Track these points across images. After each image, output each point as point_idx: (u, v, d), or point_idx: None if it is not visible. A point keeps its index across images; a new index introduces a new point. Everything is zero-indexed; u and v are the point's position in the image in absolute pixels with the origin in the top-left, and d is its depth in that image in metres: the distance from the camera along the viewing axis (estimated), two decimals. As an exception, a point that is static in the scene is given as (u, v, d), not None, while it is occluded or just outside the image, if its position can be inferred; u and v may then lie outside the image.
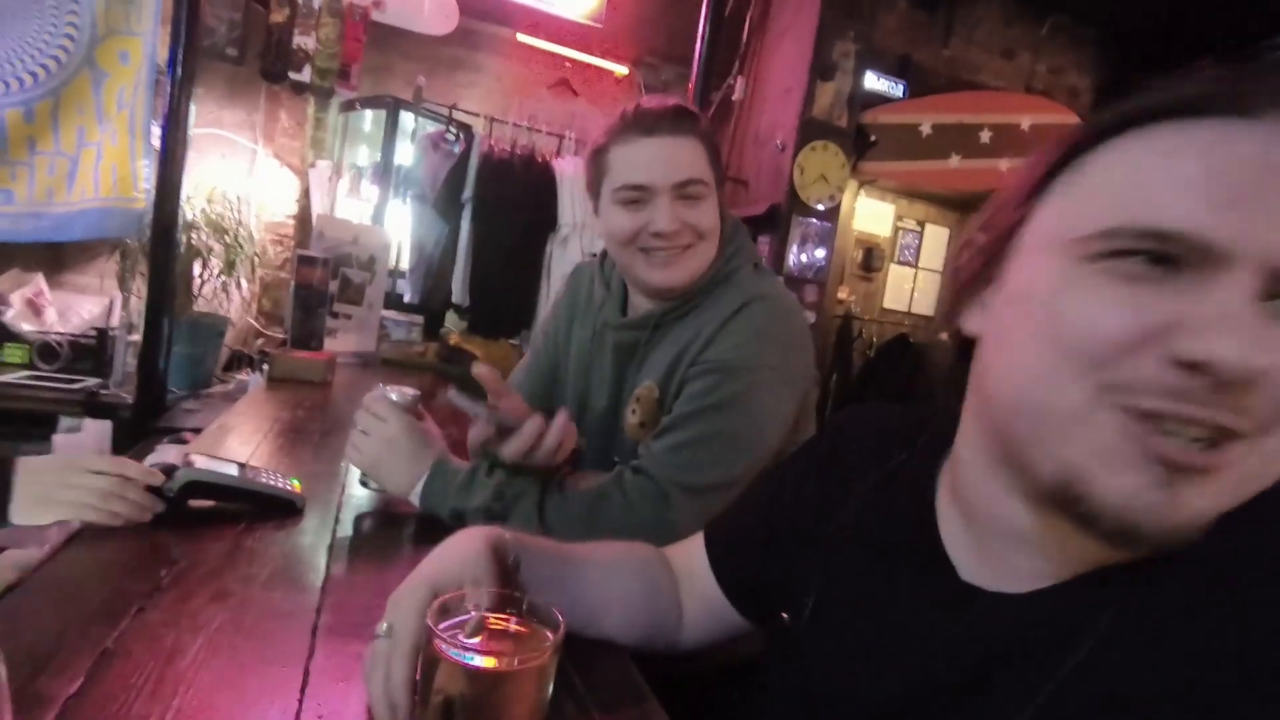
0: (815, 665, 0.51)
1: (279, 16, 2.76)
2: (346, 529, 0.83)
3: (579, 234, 2.91)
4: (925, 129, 3.48)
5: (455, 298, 2.86)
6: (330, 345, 2.15)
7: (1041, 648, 0.40)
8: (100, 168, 2.23)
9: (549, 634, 0.42)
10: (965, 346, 0.48)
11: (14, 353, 2.59)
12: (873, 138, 3.38)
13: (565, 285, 1.26)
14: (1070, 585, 0.42)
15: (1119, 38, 4.08)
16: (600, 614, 0.63)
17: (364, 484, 0.90)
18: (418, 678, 0.43)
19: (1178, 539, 0.37)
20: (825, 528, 0.57)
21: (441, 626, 0.42)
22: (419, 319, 2.62)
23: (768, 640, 0.59)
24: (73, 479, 0.71)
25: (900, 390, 3.62)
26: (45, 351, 2.52)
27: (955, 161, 3.52)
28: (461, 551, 0.54)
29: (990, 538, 0.46)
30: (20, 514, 0.69)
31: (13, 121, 2.10)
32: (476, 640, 0.42)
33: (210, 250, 2.59)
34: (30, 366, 2.51)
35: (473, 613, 0.44)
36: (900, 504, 0.53)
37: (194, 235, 2.56)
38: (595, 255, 1.27)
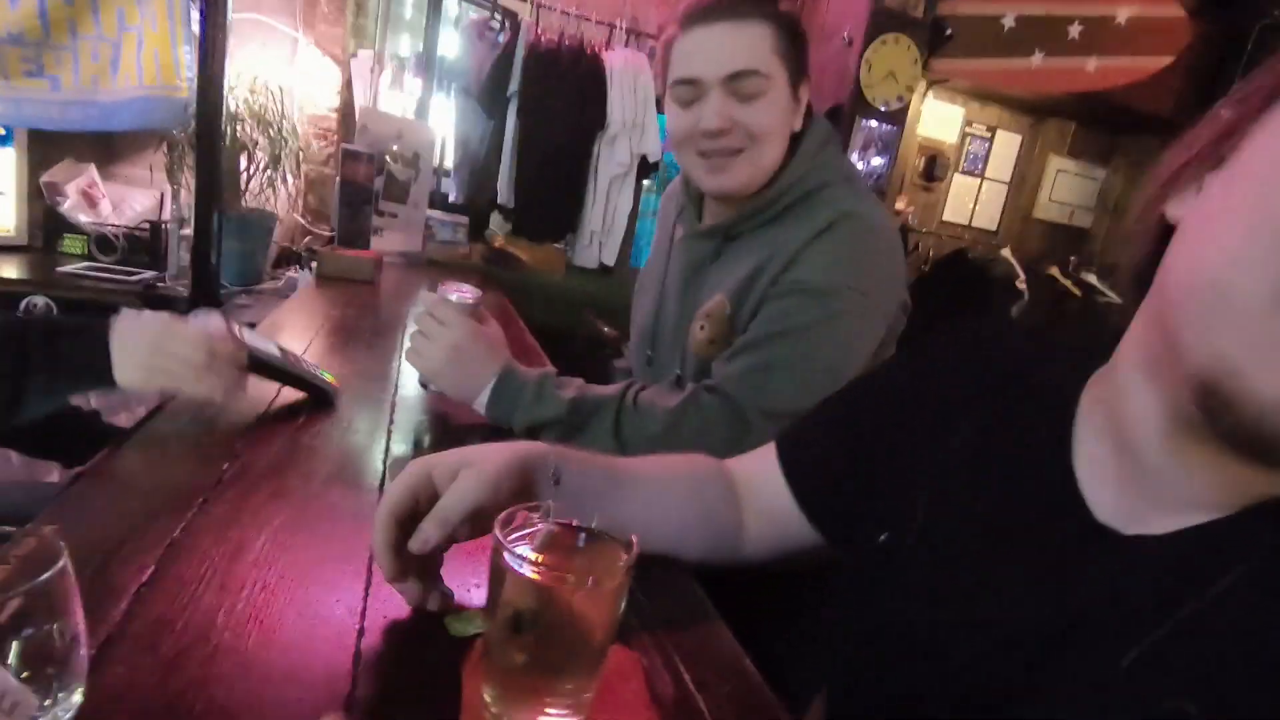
0: (920, 590, 0.48)
1: (315, -112, 2.59)
2: (401, 430, 0.82)
3: (628, 134, 2.78)
4: (1008, 21, 3.17)
5: (500, 198, 2.79)
6: (376, 244, 2.14)
7: (1166, 589, 0.38)
8: (143, 54, 2.18)
9: (622, 553, 0.40)
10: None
11: (73, 243, 2.64)
12: (949, 31, 3.09)
13: (666, 195, 1.21)
14: (1212, 527, 0.39)
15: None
16: (651, 533, 0.60)
17: (424, 386, 0.88)
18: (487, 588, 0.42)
19: None
20: (933, 449, 0.53)
21: (510, 538, 0.40)
22: (464, 219, 2.57)
23: (854, 560, 0.56)
24: (167, 346, 0.70)
25: (954, 309, 3.49)
26: (103, 243, 2.57)
27: (1038, 59, 3.22)
28: (482, 449, 0.51)
29: (1134, 468, 0.42)
30: (123, 377, 0.68)
31: (54, 2, 2.05)
32: (542, 556, 0.40)
33: (255, 144, 2.55)
34: (89, 258, 2.57)
35: (541, 525, 0.42)
36: (1031, 431, 0.49)
37: (238, 127, 2.52)
38: (644, 156, 1.23)
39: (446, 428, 0.88)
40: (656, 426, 0.81)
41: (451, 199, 2.85)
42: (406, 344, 0.86)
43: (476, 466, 0.49)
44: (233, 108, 2.46)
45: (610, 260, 2.96)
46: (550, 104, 2.70)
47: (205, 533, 0.52)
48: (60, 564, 0.31)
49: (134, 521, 0.52)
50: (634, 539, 0.40)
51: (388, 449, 0.76)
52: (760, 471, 0.66)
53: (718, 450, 0.74)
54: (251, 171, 2.57)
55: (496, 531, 0.39)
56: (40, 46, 2.07)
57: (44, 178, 2.61)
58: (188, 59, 2.18)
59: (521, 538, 0.41)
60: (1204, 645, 0.35)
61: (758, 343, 0.85)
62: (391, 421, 0.84)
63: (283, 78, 2.82)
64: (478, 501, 0.48)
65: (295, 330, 1.22)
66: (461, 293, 0.86)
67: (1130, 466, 0.43)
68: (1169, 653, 0.36)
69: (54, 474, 1.39)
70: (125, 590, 0.44)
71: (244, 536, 0.53)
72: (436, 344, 0.82)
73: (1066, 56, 3.21)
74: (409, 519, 0.48)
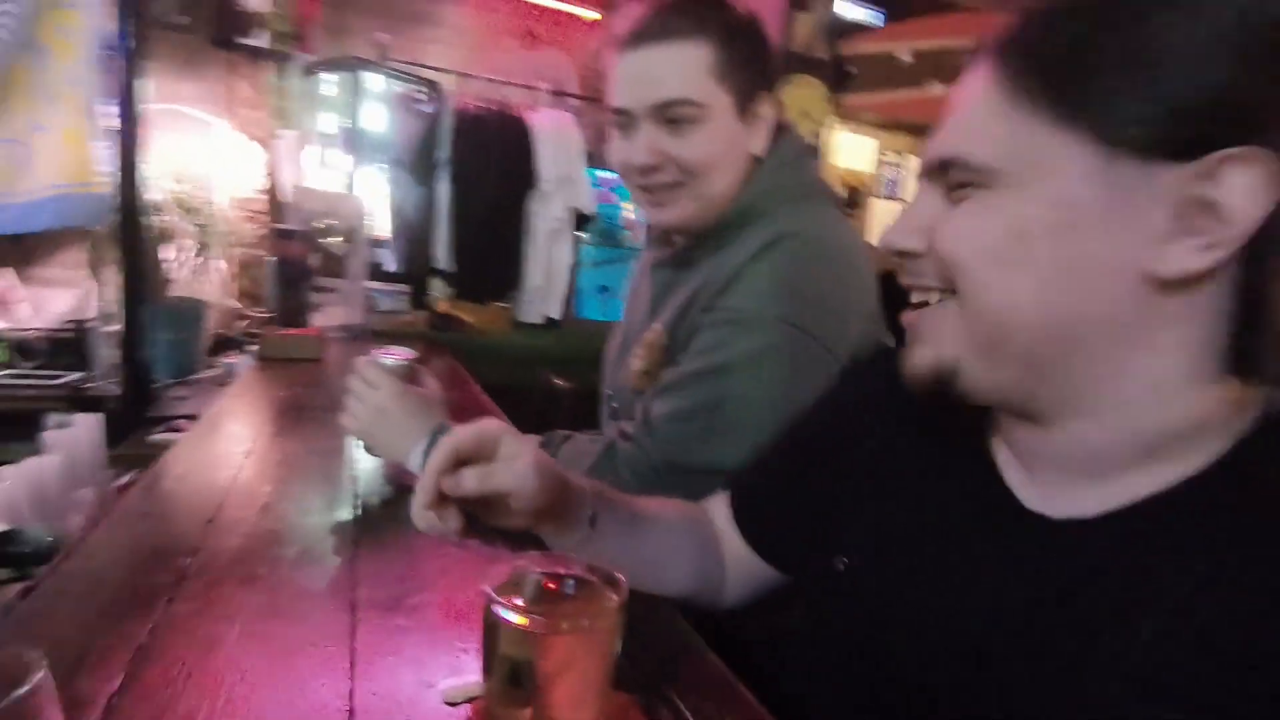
0: (881, 607, 0.50)
1: (226, -22, 2.61)
2: (365, 502, 0.81)
3: (560, 189, 2.84)
4: (906, 56, 3.40)
5: (439, 263, 2.80)
6: (316, 320, 2.10)
7: (1114, 582, 0.39)
8: (58, 153, 2.13)
9: (611, 593, 0.40)
10: None
11: (-11, 353, 2.51)
12: (852, 69, 3.30)
13: None
14: (1142, 509, 0.40)
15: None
16: (660, 570, 0.62)
17: (368, 450, 0.87)
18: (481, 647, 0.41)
19: None
20: (872, 470, 0.56)
21: (498, 591, 0.40)
22: (405, 287, 2.56)
23: (815, 589, 0.57)
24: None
25: (892, 328, 3.62)
26: (23, 348, 2.45)
27: (937, 89, 3.45)
28: (545, 464, 0.53)
29: (1040, 449, 0.45)
30: None
31: (-41, 108, 1.99)
32: (533, 604, 0.40)
33: (181, 232, 2.50)
34: (8, 365, 2.44)
35: (531, 573, 0.42)
36: (954, 432, 0.51)
37: (162, 218, 2.47)
38: (578, 210, 1.21)
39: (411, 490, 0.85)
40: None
41: (390, 268, 2.84)
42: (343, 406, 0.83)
43: (539, 470, 0.52)
44: (155, 198, 2.41)
45: (555, 313, 2.98)
46: (481, 167, 2.74)
47: (175, 631, 0.50)
48: (38, 677, 0.29)
49: (97, 629, 0.49)
50: (621, 577, 0.41)
51: (355, 521, 0.74)
52: (722, 518, 0.68)
53: None
54: (180, 261, 2.51)
55: (486, 588, 0.39)
56: (-55, 153, 2.00)
57: (-46, 287, 2.49)
58: (103, 154, 2.14)
59: (510, 590, 0.41)
60: (1173, 649, 0.36)
61: (680, 384, 0.78)
62: (356, 495, 0.82)
63: (207, 164, 2.79)
64: (520, 490, 0.51)
65: (242, 416, 1.19)
66: (394, 355, 0.85)
67: (1037, 447, 0.45)
68: (1135, 656, 0.37)
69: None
70: (96, 702, 0.42)
71: (215, 630, 0.51)
72: (364, 405, 0.79)
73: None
74: (460, 463, 0.50)
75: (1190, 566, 0.37)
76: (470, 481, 0.50)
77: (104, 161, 2.14)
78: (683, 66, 0.77)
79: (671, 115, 0.78)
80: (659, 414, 0.78)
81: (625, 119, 0.82)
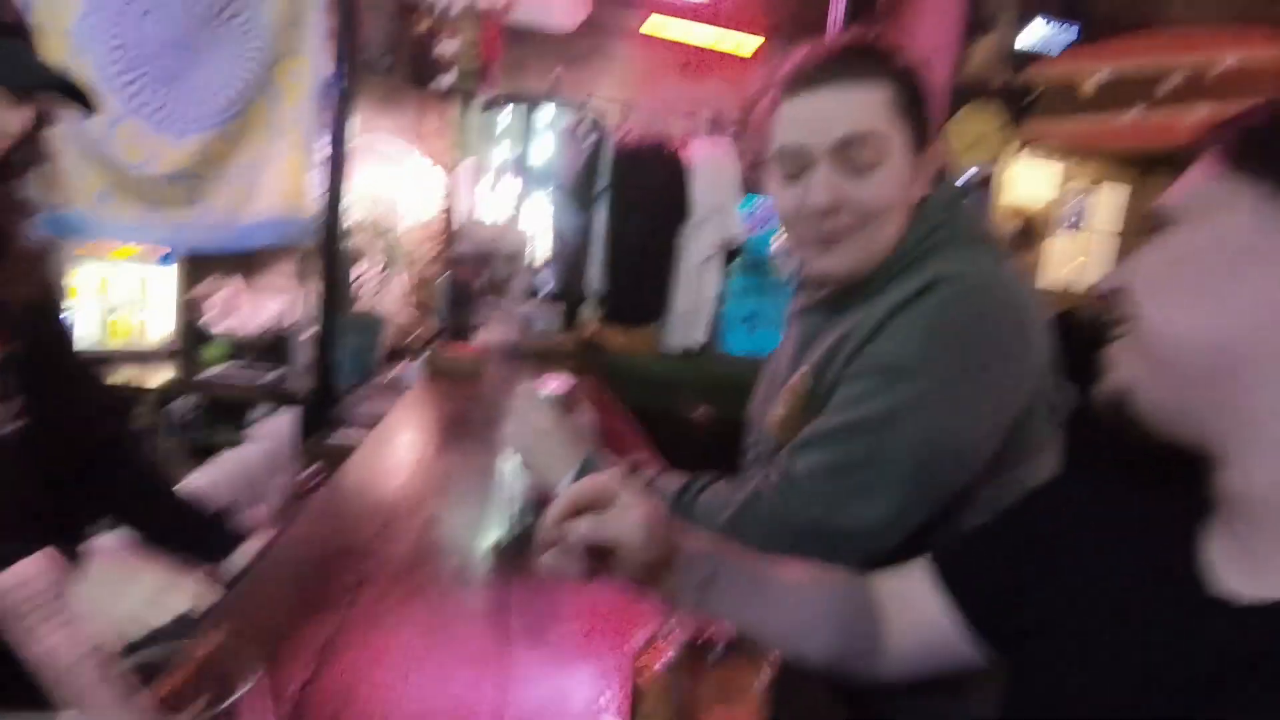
0: (1063, 686, 0.49)
1: (422, 26, 2.91)
2: (518, 523, 0.85)
3: (712, 219, 2.86)
4: (1100, 77, 3.10)
5: (593, 287, 2.91)
6: (479, 336, 2.25)
7: None
8: (278, 180, 2.46)
9: (754, 674, 0.39)
10: None
11: (216, 349, 2.93)
12: (1035, 94, 3.05)
13: None
14: None
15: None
16: (794, 631, 0.60)
17: (525, 466, 0.92)
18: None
19: None
20: (1073, 545, 0.54)
21: (638, 656, 0.40)
22: (559, 308, 2.69)
23: (1011, 666, 0.57)
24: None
25: (1070, 377, 3.28)
26: (240, 347, 2.84)
27: (1134, 114, 3.11)
28: (661, 523, 0.53)
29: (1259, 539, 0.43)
30: None
31: (212, 141, 2.35)
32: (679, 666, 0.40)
33: (371, 250, 2.79)
34: (232, 358, 2.84)
35: (669, 647, 0.41)
36: (1166, 522, 0.50)
37: (356, 238, 2.77)
38: (728, 240, 1.18)
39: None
40: (723, 527, 0.75)
41: (547, 291, 2.99)
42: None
43: (650, 524, 0.52)
44: (353, 220, 2.71)
45: (700, 340, 3.00)
46: (638, 197, 2.83)
47: (352, 635, 0.55)
48: (256, 676, 0.33)
49: (287, 626, 0.55)
50: (767, 662, 0.39)
51: (511, 540, 0.78)
52: (912, 584, 0.64)
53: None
54: (367, 276, 2.80)
55: (641, 647, 0.39)
56: (198, 180, 2.37)
57: (191, 292, 2.94)
58: (314, 182, 2.44)
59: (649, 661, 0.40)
60: None
61: (826, 438, 0.73)
62: (512, 517, 0.86)
63: (396, 190, 3.10)
64: (629, 541, 0.51)
65: (412, 427, 1.29)
66: (555, 382, 0.89)
67: (1233, 499, 0.44)
68: None
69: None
70: (284, 696, 0.47)
71: (386, 640, 0.55)
72: (523, 431, 0.83)
73: (1165, 107, 3.09)
74: (579, 510, 0.52)
75: None
76: (582, 528, 0.51)
77: (313, 188, 2.45)
78: (866, 104, 0.75)
79: (854, 154, 0.75)
80: (802, 469, 0.73)
81: (799, 159, 0.77)
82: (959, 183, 2.88)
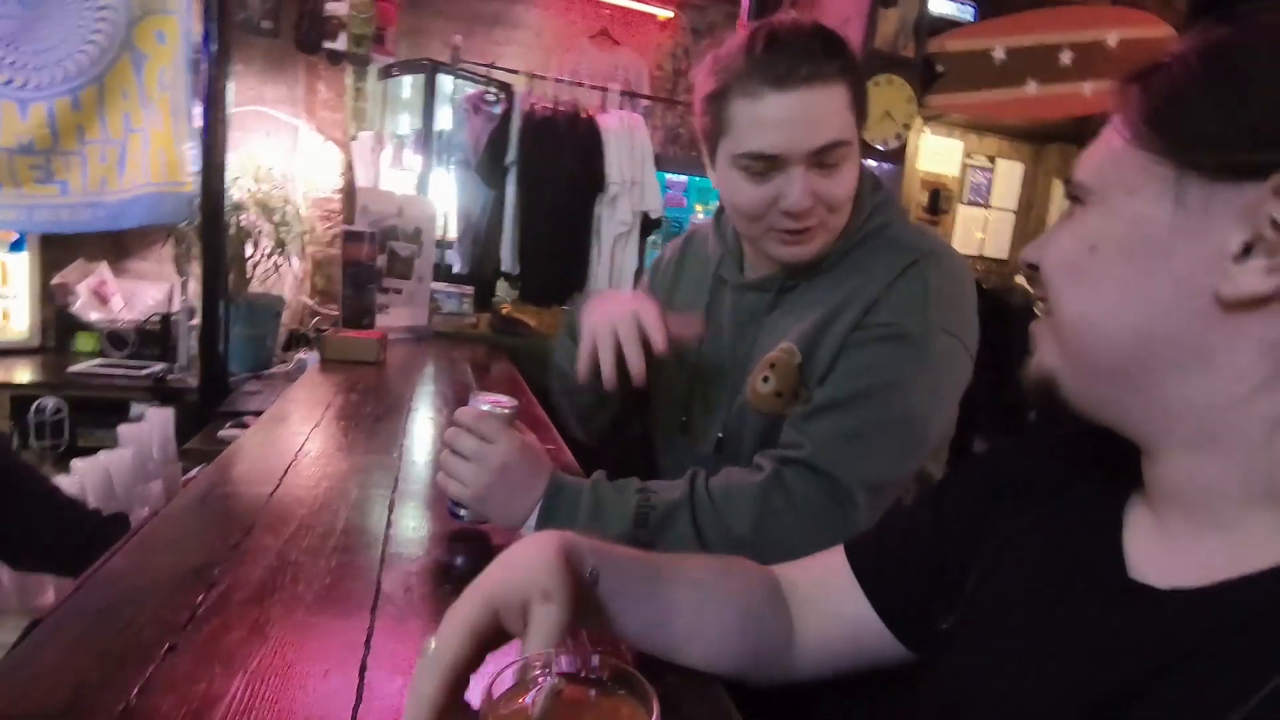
0: (975, 669, 0.49)
1: (309, -17, 2.68)
2: (401, 538, 0.76)
3: (628, 193, 2.79)
4: (999, 54, 3.19)
5: (505, 265, 2.79)
6: (382, 321, 2.11)
7: (1242, 647, 0.35)
8: (149, 153, 2.22)
9: (642, 713, 0.33)
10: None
11: (85, 341, 2.66)
12: (940, 68, 3.11)
13: (671, 248, 1.11)
14: (1260, 578, 0.37)
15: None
16: (689, 641, 0.55)
17: (456, 514, 0.76)
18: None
19: None
20: (994, 533, 0.54)
21: (504, 692, 0.33)
22: (470, 289, 2.56)
23: (920, 651, 0.57)
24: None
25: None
26: (114, 339, 2.58)
27: (1032, 88, 3.22)
28: (529, 560, 0.46)
29: (1190, 528, 0.42)
30: None
31: (62, 111, 2.10)
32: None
33: (260, 230, 2.58)
34: (101, 354, 2.58)
35: (542, 680, 0.35)
36: (1087, 508, 0.49)
37: (243, 216, 2.55)
38: (645, 213, 1.17)
39: (459, 533, 0.78)
40: (743, 525, 0.73)
41: (456, 270, 2.85)
42: (441, 467, 0.75)
43: (553, 600, 0.44)
44: (237, 197, 2.50)
45: (619, 318, 2.94)
46: (549, 170, 2.72)
47: (167, 689, 0.46)
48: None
49: (81, 684, 0.46)
50: (654, 700, 0.33)
51: (382, 559, 0.70)
52: (823, 576, 0.62)
53: (819, 539, 0.66)
54: (258, 258, 2.59)
55: (490, 693, 0.32)
56: (49, 154, 2.11)
57: (54, 279, 2.65)
58: (191, 154, 2.22)
59: (516, 696, 0.34)
60: None
61: (847, 401, 0.77)
62: (389, 525, 0.78)
63: (287, 164, 2.87)
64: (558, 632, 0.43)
65: (295, 421, 1.18)
66: (498, 403, 0.76)
67: (1156, 485, 0.44)
68: None
69: (48, 593, 1.33)
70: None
71: (213, 690, 0.46)
72: (479, 465, 0.71)
73: (1061, 83, 3.21)
74: (467, 670, 0.42)
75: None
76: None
77: (191, 161, 2.22)
78: (835, 108, 0.78)
79: (827, 159, 0.79)
80: (828, 434, 0.76)
81: (772, 163, 0.79)
82: (885, 146, 2.91)
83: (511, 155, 2.72)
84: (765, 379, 0.86)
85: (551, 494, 0.73)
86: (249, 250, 2.57)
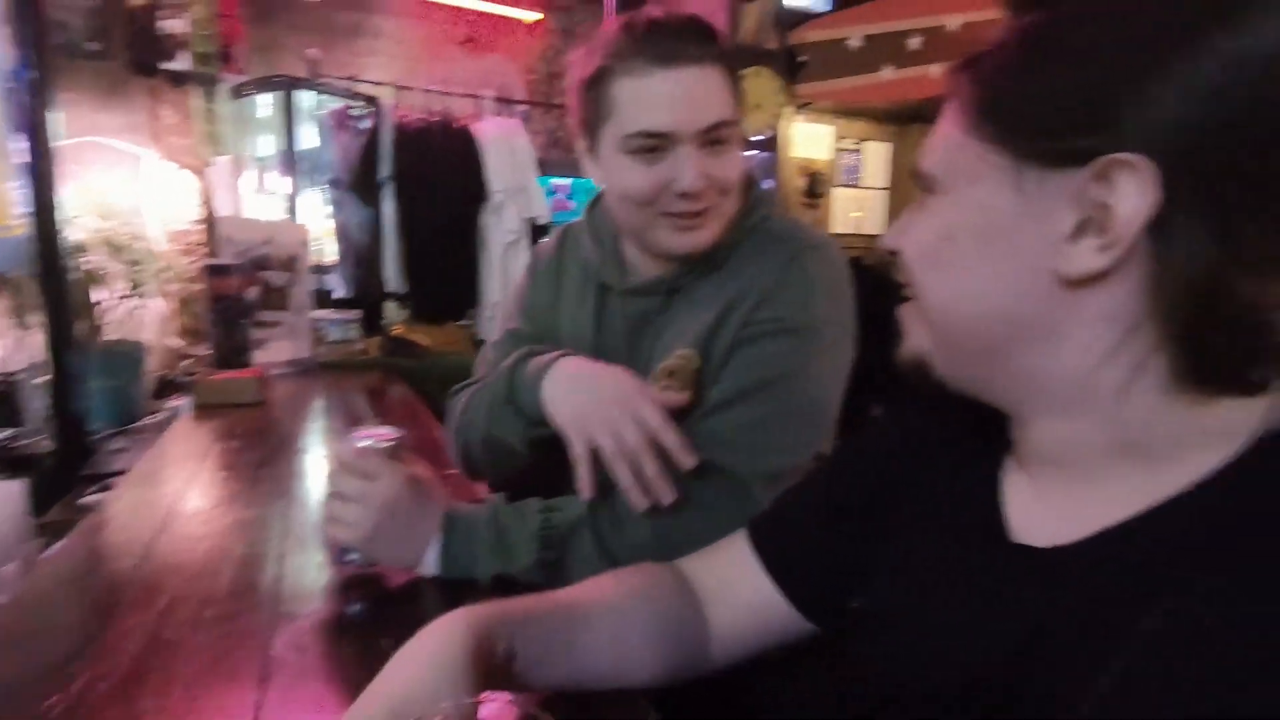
0: (880, 647, 0.51)
1: (138, 0, 2.47)
2: (296, 586, 0.71)
3: (513, 200, 2.74)
4: (854, 42, 3.36)
5: (391, 285, 2.68)
6: (260, 358, 1.98)
7: (1110, 599, 0.38)
8: (-37, 197, 1.98)
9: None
10: None
11: (-92, 415, 2.34)
12: (803, 58, 3.24)
13: (546, 252, 1.05)
14: (1121, 529, 0.39)
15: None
16: (616, 671, 0.54)
17: (345, 561, 0.71)
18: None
19: None
20: (890, 505, 0.55)
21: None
22: (355, 314, 2.44)
23: (831, 632, 0.59)
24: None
25: (860, 313, 3.58)
26: (-56, 408, 2.29)
27: (888, 73, 3.41)
28: (436, 659, 0.43)
29: (1054, 482, 0.45)
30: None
31: None
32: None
33: (109, 271, 2.36)
34: (-71, 427, 2.28)
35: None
36: (968, 471, 0.51)
37: (88, 258, 2.32)
38: (531, 220, 1.11)
39: (356, 588, 0.72)
40: (643, 533, 0.71)
41: (338, 295, 2.72)
42: (324, 512, 0.70)
43: (449, 688, 0.40)
44: (78, 238, 2.27)
45: (517, 328, 2.89)
46: (427, 182, 2.63)
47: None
48: None
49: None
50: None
51: (272, 621, 0.64)
52: (728, 565, 0.62)
53: (723, 535, 0.66)
54: (110, 302, 2.36)
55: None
56: None
57: None
58: (17, 194, 1.99)
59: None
60: (1188, 649, 0.34)
61: (740, 396, 0.77)
62: (279, 581, 0.72)
63: (134, 198, 2.64)
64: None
65: (165, 479, 1.08)
66: (380, 436, 0.72)
67: (1027, 447, 0.46)
68: (1100, 695, 0.35)
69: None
70: None
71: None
72: (364, 505, 0.67)
73: (913, 67, 3.42)
74: None
75: (1158, 596, 0.36)
76: None
77: (17, 202, 2.00)
78: (720, 87, 0.79)
79: (715, 136, 0.79)
80: (729, 430, 0.76)
81: (661, 142, 0.78)
82: (761, 136, 2.99)
83: (386, 170, 2.61)
84: (665, 387, 0.83)
85: (448, 529, 0.70)
86: (99, 294, 2.34)
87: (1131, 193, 0.37)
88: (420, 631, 0.45)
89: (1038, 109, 0.39)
